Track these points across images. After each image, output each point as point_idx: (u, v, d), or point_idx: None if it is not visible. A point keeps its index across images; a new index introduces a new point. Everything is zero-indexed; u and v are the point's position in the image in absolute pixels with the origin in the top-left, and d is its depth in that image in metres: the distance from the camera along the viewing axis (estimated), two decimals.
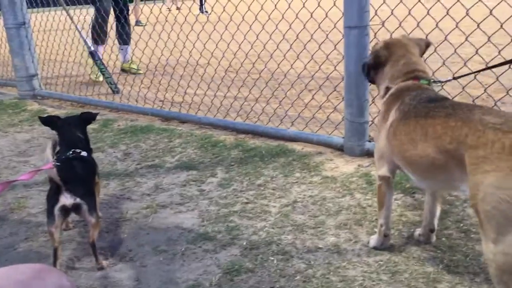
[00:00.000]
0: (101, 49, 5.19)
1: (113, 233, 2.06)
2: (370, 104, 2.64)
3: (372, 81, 1.85)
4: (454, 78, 1.79)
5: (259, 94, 3.54)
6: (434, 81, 1.74)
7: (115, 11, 5.21)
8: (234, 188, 2.40)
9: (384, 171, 1.68)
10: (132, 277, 1.74)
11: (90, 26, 5.00)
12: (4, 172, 2.86)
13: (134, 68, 5.50)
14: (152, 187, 2.50)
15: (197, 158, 2.86)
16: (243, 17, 3.19)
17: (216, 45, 3.42)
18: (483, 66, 1.75)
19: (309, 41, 2.94)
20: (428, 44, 1.81)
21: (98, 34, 5.03)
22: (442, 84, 1.84)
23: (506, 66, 1.94)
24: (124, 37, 5.41)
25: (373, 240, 1.78)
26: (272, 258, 1.78)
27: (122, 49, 5.57)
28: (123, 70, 5.62)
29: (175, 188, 2.46)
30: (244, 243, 1.89)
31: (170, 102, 3.94)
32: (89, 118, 2.19)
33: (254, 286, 1.63)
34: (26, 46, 4.57)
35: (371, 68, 1.80)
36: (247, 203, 2.24)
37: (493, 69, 1.75)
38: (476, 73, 1.82)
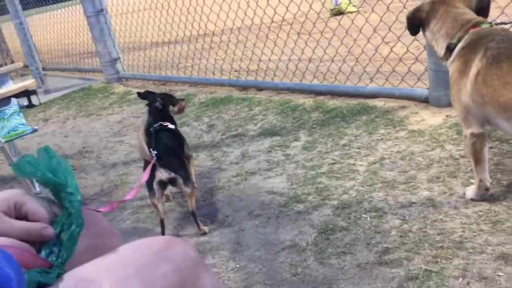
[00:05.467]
0: None
1: (209, 201, 2.19)
2: None
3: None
4: None
5: (334, 53, 3.48)
6: (496, 24, 1.62)
7: None
8: (319, 150, 2.43)
9: (475, 128, 1.61)
10: (233, 241, 1.85)
11: None
12: (104, 152, 3.10)
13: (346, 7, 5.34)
14: (239, 156, 2.59)
15: (279, 123, 2.90)
16: None
17: (287, 8, 3.38)
18: None
19: None
20: None
21: None
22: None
23: None
24: None
25: (470, 191, 1.73)
26: (365, 216, 1.79)
27: None
28: (336, 14, 5.41)
29: (261, 155, 2.53)
30: (335, 203, 1.93)
31: (245, 71, 3.99)
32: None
33: (350, 243, 1.67)
34: (106, 32, 4.82)
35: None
36: (333, 163, 2.26)
37: None
38: None
